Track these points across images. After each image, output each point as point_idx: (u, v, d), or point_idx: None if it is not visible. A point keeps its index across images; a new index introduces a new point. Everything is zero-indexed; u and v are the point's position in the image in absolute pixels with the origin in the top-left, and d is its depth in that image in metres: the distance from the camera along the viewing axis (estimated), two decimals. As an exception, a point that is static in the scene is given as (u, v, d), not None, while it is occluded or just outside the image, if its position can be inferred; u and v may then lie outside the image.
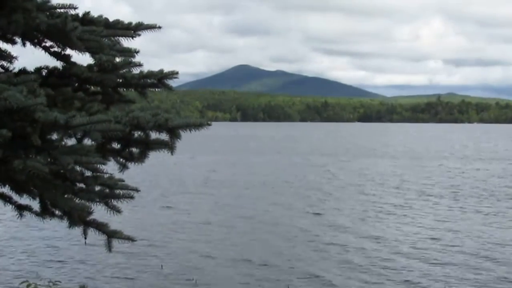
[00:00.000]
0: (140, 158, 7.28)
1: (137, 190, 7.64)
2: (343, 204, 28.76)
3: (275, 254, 18.68)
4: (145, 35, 7.78)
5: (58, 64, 7.43)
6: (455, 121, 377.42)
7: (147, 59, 7.58)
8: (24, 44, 7.26)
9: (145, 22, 7.72)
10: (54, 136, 6.41)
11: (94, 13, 7.53)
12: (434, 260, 17.94)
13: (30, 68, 7.29)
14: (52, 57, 7.45)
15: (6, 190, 7.20)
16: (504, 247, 19.79)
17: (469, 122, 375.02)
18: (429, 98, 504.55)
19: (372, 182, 38.60)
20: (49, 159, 6.18)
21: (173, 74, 7.37)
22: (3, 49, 7.26)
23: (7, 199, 7.53)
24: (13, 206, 7.58)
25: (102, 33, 7.23)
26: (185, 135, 6.76)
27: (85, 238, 7.73)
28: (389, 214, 26.03)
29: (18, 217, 7.61)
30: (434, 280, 15.89)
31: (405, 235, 21.56)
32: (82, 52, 7.15)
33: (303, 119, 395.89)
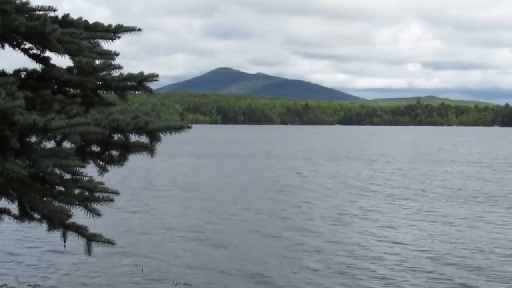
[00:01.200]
0: (120, 161, 7.27)
1: (117, 193, 7.63)
2: (309, 207, 28.83)
3: (250, 258, 18.72)
4: (125, 38, 7.81)
5: (37, 66, 7.42)
6: (435, 124, 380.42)
7: (127, 62, 7.58)
8: (2, 46, 7.22)
9: (125, 25, 7.73)
10: (33, 139, 6.38)
11: (73, 16, 7.52)
12: (404, 265, 17.94)
13: (9, 70, 7.26)
14: (31, 59, 7.42)
15: (-16, 193, 7.16)
16: (470, 249, 19.92)
17: (449, 124, 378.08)
18: (409, 101, 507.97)
19: (341, 185, 38.73)
20: (28, 162, 6.16)
21: (153, 77, 7.37)
22: (-19, 51, 7.23)
23: (-15, 203, 7.49)
24: (-9, 210, 7.55)
25: (81, 35, 7.22)
26: (165, 137, 6.77)
27: (65, 242, 7.70)
28: (354, 217, 26.10)
29: (-4, 220, 7.57)
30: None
31: (369, 240, 21.54)
32: (62, 55, 7.13)
33: (283, 122, 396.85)
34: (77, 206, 7.25)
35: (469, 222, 25.28)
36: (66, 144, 6.44)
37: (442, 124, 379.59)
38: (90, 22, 7.61)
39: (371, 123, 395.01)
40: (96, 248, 7.65)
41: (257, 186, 37.06)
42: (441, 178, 44.30)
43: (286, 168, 51.37)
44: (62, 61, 7.28)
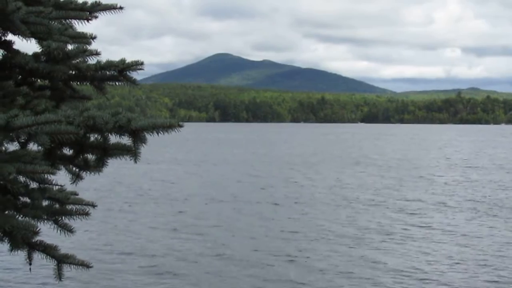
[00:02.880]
0: (97, 166, 7.28)
1: (93, 206, 7.65)
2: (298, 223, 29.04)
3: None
4: (101, 18, 7.81)
5: (-3, 52, 7.43)
6: (479, 121, 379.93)
7: (104, 47, 7.61)
8: (-45, 28, 7.25)
9: (103, 2, 7.74)
10: (-8, 140, 6.41)
11: (41, -9, 7.52)
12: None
13: (-37, 57, 7.29)
14: (-10, 44, 7.45)
15: None
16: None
17: (496, 122, 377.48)
18: (447, 94, 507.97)
19: (333, 197, 38.87)
20: (-14, 168, 6.18)
21: (137, 65, 7.37)
22: None
23: None
24: None
25: (51, 15, 7.23)
26: (151, 138, 6.78)
27: (30, 264, 7.73)
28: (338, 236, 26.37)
29: None
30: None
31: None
32: (27, 38, 7.14)
33: (295, 119, 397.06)
34: (46, 221, 7.28)
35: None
36: (33, 146, 6.46)
37: (487, 122, 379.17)
38: (61, -1, 7.63)
39: (402, 120, 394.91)
40: (68, 272, 7.68)
41: (230, 199, 37.15)
42: (463, 187, 44.36)
43: (275, 177, 51.32)
44: (27, 46, 7.31)
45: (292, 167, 61.46)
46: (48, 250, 7.47)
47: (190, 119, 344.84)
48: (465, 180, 49.94)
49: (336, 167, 62.02)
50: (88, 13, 7.64)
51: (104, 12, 7.73)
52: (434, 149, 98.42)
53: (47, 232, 7.18)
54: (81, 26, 7.66)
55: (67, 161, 7.35)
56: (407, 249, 23.53)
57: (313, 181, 48.26)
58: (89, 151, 7.15)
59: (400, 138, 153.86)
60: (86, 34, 7.59)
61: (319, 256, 22.21)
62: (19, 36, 7.12)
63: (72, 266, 7.62)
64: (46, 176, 6.95)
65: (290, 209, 33.19)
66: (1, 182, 6.58)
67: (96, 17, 7.71)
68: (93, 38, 7.63)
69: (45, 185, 7.27)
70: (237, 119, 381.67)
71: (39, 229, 6.85)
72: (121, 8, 7.74)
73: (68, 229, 7.49)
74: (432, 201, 37.03)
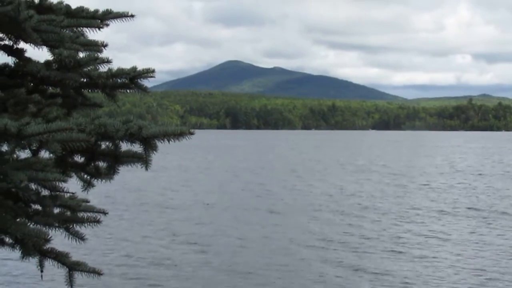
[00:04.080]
0: (108, 173, 7.29)
1: (104, 213, 7.66)
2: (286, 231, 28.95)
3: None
4: (112, 25, 7.81)
5: (10, 60, 7.45)
6: (491, 128, 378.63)
7: (114, 54, 7.60)
8: (-32, 36, 7.28)
9: (110, 9, 7.74)
10: (4, 148, 6.42)
11: (53, -1, 7.54)
12: None
13: (-25, 65, 7.32)
14: (2, 52, 7.46)
15: None
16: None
17: (507, 129, 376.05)
18: (458, 100, 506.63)
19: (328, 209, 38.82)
20: (-2, 176, 6.19)
21: (148, 73, 7.37)
22: None
23: None
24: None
25: (62, 23, 7.24)
26: (160, 145, 6.77)
27: (42, 271, 7.74)
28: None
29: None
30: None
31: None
32: (39, 46, 7.15)
33: (306, 126, 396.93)
34: (57, 229, 7.29)
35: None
36: (44, 154, 6.47)
37: (499, 129, 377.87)
38: (73, 7, 7.65)
39: (413, 127, 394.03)
40: (80, 278, 7.68)
41: (229, 206, 37.09)
42: (462, 194, 44.24)
43: (275, 184, 51.16)
44: (39, 54, 7.31)
45: (294, 174, 61.36)
46: (60, 257, 7.48)
47: (201, 126, 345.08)
48: (466, 187, 49.69)
49: (339, 174, 61.86)
50: (99, 21, 7.65)
51: (115, 20, 7.74)
52: (440, 156, 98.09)
53: (58, 239, 7.19)
54: (92, 34, 7.68)
55: (78, 169, 7.36)
56: (405, 257, 23.46)
57: (313, 188, 48.14)
58: (100, 158, 7.16)
59: (409, 145, 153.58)
60: (98, 42, 7.60)
61: (318, 265, 22.19)
62: (31, 44, 7.14)
63: (83, 274, 7.62)
64: (57, 183, 6.95)
65: (288, 217, 33.13)
66: (13, 190, 6.60)
67: (107, 25, 7.72)
68: (105, 46, 7.64)
69: (57, 193, 7.28)
70: (248, 126, 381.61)
71: (50, 237, 6.86)
72: (132, 16, 7.75)
73: (79, 237, 7.50)
74: (430, 208, 36.80)
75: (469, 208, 36.65)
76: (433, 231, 28.98)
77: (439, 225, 30.77)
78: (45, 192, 7.14)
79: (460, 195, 43.85)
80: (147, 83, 7.50)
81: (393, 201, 39.91)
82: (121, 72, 7.33)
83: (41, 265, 7.61)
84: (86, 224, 7.48)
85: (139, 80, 7.40)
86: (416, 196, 42.90)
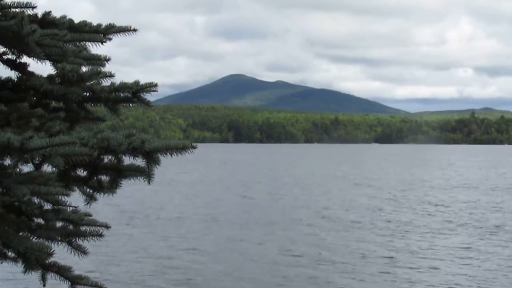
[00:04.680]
0: (111, 187, 7.28)
1: (107, 227, 7.65)
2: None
3: None
4: (114, 39, 7.81)
5: (13, 74, 7.46)
6: (493, 141, 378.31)
7: (116, 68, 7.61)
8: (-29, 51, 7.29)
9: (113, 23, 7.75)
10: (7, 162, 6.43)
11: (55, 13, 7.56)
12: None
13: (-22, 79, 7.32)
14: (5, 66, 7.47)
15: None
16: None
17: (510, 143, 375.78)
18: (461, 114, 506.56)
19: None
20: (0, 189, 6.19)
21: (151, 87, 7.37)
22: None
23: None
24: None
25: (65, 38, 7.25)
26: (164, 159, 6.78)
27: (44, 286, 7.72)
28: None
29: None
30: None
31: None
32: (42, 60, 7.17)
33: (308, 140, 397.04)
34: (59, 243, 7.28)
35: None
36: (47, 168, 6.47)
37: (502, 142, 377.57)
38: (76, 21, 7.66)
39: (415, 140, 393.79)
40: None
41: (219, 220, 37.12)
42: (453, 209, 44.20)
43: (269, 198, 51.16)
44: (42, 68, 7.32)
45: (286, 188, 61.41)
46: (62, 271, 7.47)
47: (203, 140, 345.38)
48: (457, 201, 49.79)
49: (331, 188, 61.89)
50: (102, 35, 7.66)
51: (118, 34, 7.76)
52: (436, 170, 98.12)
53: (60, 253, 7.18)
54: (95, 48, 7.69)
55: (81, 183, 7.36)
56: (390, 274, 23.45)
57: (303, 202, 48.20)
58: (103, 172, 7.16)
59: (407, 158, 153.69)
60: (100, 56, 7.61)
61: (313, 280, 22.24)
62: (34, 58, 7.15)
63: (85, 288, 7.61)
64: (60, 197, 6.95)
65: (275, 231, 33.17)
66: (16, 203, 6.60)
67: (110, 39, 7.73)
68: (107, 60, 7.65)
69: (59, 207, 7.28)
70: (250, 139, 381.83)
71: (53, 251, 6.85)
72: (135, 30, 7.76)
73: (82, 251, 7.49)
74: (423, 223, 36.84)
75: (462, 224, 36.53)
76: (430, 246, 29.01)
77: (437, 240, 30.80)
78: (48, 206, 7.14)
79: (456, 209, 43.82)
80: (150, 97, 7.51)
81: (385, 216, 39.93)
82: (123, 86, 7.34)
83: (43, 279, 7.59)
84: (88, 238, 7.47)
85: (141, 94, 7.40)
86: (409, 211, 42.89)
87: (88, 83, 7.25)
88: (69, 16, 7.67)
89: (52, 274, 7.49)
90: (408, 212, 41.95)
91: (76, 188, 7.40)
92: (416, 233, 32.66)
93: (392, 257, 25.96)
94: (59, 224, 7.34)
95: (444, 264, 24.77)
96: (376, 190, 59.27)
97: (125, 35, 7.78)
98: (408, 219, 38.41)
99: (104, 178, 7.26)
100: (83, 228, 7.45)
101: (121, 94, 7.40)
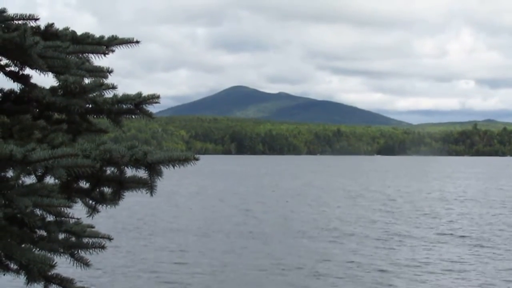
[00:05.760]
0: (113, 199, 7.28)
1: (109, 239, 7.64)
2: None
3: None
4: (116, 51, 7.82)
5: (15, 86, 7.46)
6: (496, 153, 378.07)
7: (118, 80, 7.60)
8: (-26, 63, 7.30)
9: (115, 35, 7.76)
10: (10, 174, 6.42)
11: (58, 25, 7.56)
12: None
13: (-19, 91, 7.32)
14: (7, 78, 7.48)
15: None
16: None
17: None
18: (463, 126, 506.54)
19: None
20: (3, 201, 6.19)
21: (153, 98, 7.37)
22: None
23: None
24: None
25: (68, 49, 7.26)
26: (167, 171, 6.77)
27: (46, 297, 7.71)
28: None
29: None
30: None
31: None
32: (44, 72, 7.17)
33: (311, 151, 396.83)
34: (62, 254, 7.27)
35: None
36: (49, 180, 6.47)
37: (504, 154, 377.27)
38: (78, 33, 7.67)
39: (418, 152, 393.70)
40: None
41: (213, 232, 37.11)
42: (445, 221, 44.21)
43: (263, 210, 51.14)
44: (45, 80, 7.32)
45: (283, 199, 61.31)
46: (65, 283, 7.45)
47: (206, 152, 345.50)
48: (449, 213, 49.68)
49: (326, 200, 61.84)
50: (104, 47, 7.67)
51: (121, 46, 7.77)
52: (433, 182, 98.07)
53: (63, 265, 7.17)
54: (97, 60, 7.70)
55: (83, 194, 7.36)
56: (384, 285, 23.45)
57: (299, 214, 48.21)
58: (105, 184, 7.16)
59: (407, 170, 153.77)
60: (103, 68, 7.62)
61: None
62: (37, 70, 7.15)
63: (88, 300, 7.60)
64: (62, 209, 6.94)
65: (266, 243, 33.17)
66: (18, 215, 6.59)
67: (112, 51, 7.74)
68: (110, 72, 7.66)
69: (62, 218, 7.27)
70: (253, 151, 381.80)
71: (55, 262, 6.84)
72: (137, 42, 7.77)
73: (84, 262, 7.48)
74: (415, 234, 36.84)
75: (460, 236, 36.42)
76: (425, 257, 29.01)
77: (432, 252, 30.77)
78: (50, 218, 7.13)
79: (453, 221, 43.78)
80: (152, 108, 7.50)
81: (380, 227, 39.92)
82: (126, 98, 7.33)
83: (45, 291, 7.58)
84: (91, 250, 7.46)
85: (144, 106, 7.40)
86: (405, 223, 42.83)
87: (90, 95, 7.26)
88: (72, 28, 7.69)
89: (55, 286, 7.48)
90: (404, 224, 41.85)
91: (78, 199, 7.40)
92: (411, 245, 32.57)
93: (386, 270, 25.89)
94: (61, 236, 7.33)
95: (436, 277, 24.70)
96: (373, 202, 59.20)
97: (128, 47, 7.79)
98: (405, 230, 38.31)
99: (107, 190, 7.26)
100: (85, 240, 7.45)
101: (124, 106, 7.39)
